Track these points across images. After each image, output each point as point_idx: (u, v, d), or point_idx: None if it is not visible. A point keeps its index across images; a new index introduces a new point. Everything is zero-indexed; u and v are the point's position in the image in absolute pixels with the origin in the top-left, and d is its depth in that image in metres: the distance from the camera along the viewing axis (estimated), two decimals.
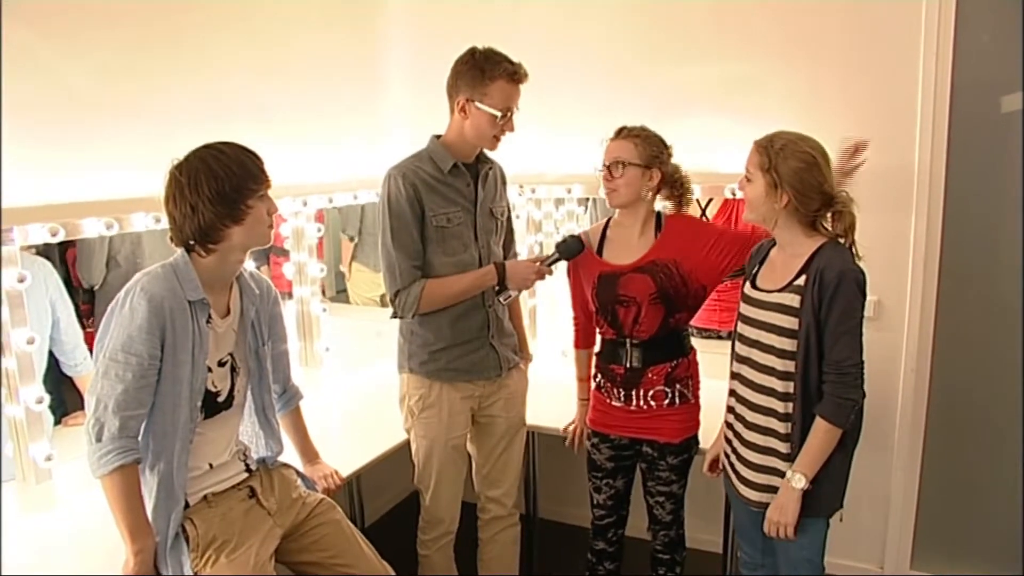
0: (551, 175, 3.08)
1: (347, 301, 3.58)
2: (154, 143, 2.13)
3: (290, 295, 2.81)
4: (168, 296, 1.62)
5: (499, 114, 2.07)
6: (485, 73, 2.05)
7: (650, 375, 2.12)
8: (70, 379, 2.30)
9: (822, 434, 1.76)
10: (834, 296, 1.71)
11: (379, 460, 2.35)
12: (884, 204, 2.44)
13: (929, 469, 2.69)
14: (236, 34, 2.50)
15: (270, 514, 1.84)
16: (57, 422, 2.22)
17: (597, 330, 2.26)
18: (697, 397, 2.19)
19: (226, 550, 1.70)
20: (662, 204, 2.19)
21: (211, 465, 1.79)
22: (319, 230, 2.83)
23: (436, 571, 2.35)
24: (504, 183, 2.34)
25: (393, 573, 1.99)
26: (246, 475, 1.87)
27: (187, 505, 1.71)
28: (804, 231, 1.80)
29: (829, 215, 1.80)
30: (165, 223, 1.72)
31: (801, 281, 1.77)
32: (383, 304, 3.50)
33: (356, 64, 3.10)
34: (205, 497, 1.76)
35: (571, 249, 2.18)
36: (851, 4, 2.52)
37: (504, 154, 2.22)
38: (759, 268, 1.93)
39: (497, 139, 2.14)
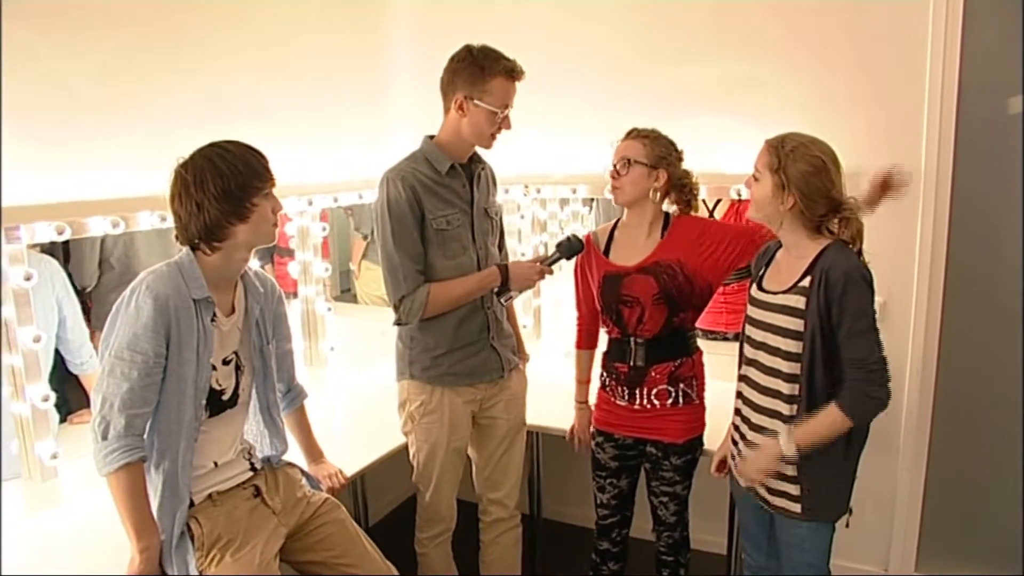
0: (556, 175, 3.08)
1: (352, 300, 3.58)
2: (158, 142, 2.13)
3: (295, 294, 2.81)
4: (173, 294, 1.62)
5: (498, 111, 2.06)
6: (484, 70, 2.04)
7: (653, 373, 2.12)
8: (76, 377, 2.31)
9: (831, 420, 1.72)
10: (844, 295, 1.70)
11: (383, 460, 2.35)
12: (890, 206, 2.41)
13: (934, 470, 2.68)
14: (239, 34, 2.50)
15: (275, 513, 1.84)
16: (63, 420, 2.23)
17: (603, 329, 2.26)
18: (702, 398, 2.19)
19: (231, 549, 1.70)
20: (672, 209, 2.19)
21: (216, 464, 1.80)
22: (324, 229, 2.83)
23: (435, 569, 2.35)
24: (495, 183, 2.34)
25: (397, 572, 1.99)
26: (251, 474, 1.88)
27: (192, 504, 1.72)
28: (809, 234, 1.80)
29: (836, 220, 1.78)
30: (170, 222, 1.72)
31: (806, 283, 1.76)
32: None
33: (360, 63, 3.10)
34: (210, 496, 1.76)
35: (572, 248, 2.18)
36: (857, 4, 2.51)
37: (509, 154, 2.22)
38: (765, 270, 1.93)
39: (494, 137, 2.13)
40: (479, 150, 2.22)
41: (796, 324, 1.77)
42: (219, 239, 1.67)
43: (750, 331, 1.91)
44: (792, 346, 1.78)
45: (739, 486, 2.01)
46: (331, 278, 2.99)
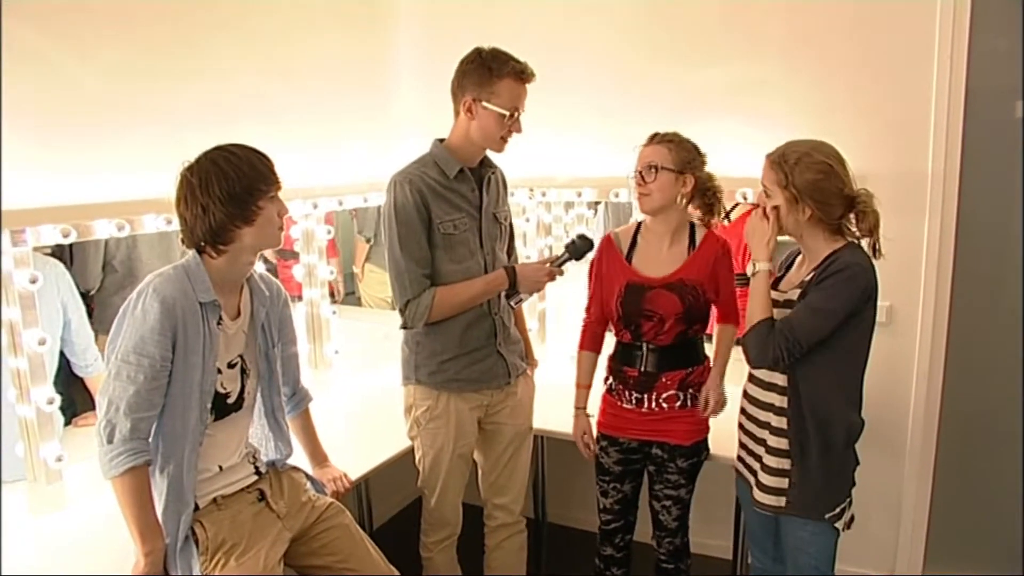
0: (561, 178, 3.07)
1: (357, 303, 3.58)
2: (164, 145, 2.14)
3: (299, 297, 2.81)
4: (180, 298, 1.62)
5: (507, 113, 2.05)
6: (493, 72, 2.03)
7: (664, 380, 2.11)
8: (81, 380, 2.31)
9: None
10: (826, 278, 1.72)
11: (388, 464, 2.34)
12: (897, 209, 2.41)
13: (941, 474, 2.67)
14: (245, 37, 2.51)
15: (279, 517, 1.84)
16: (67, 423, 2.23)
17: (612, 333, 2.24)
18: None
19: (235, 553, 1.70)
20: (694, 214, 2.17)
21: (221, 467, 1.79)
22: (329, 232, 2.83)
23: (439, 573, 2.34)
24: (506, 188, 2.32)
25: None
26: (256, 477, 1.87)
27: (197, 507, 1.71)
28: (828, 237, 1.81)
29: (852, 216, 1.80)
30: (176, 224, 1.73)
31: (808, 279, 1.78)
32: (394, 306, 3.50)
33: (366, 66, 3.11)
34: (215, 499, 1.76)
35: (581, 249, 2.15)
36: (864, 7, 2.51)
37: (513, 157, 2.21)
38: (784, 274, 1.96)
39: (504, 140, 2.11)
40: (490, 154, 2.21)
41: None
42: (225, 242, 1.66)
43: None
44: None
45: (744, 489, 2.00)
46: (336, 281, 2.99)
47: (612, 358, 2.24)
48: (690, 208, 2.14)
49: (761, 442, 1.89)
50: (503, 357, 2.24)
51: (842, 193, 1.76)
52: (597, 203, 3.17)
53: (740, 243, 2.49)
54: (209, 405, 1.71)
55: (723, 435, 2.16)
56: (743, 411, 2.00)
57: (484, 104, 2.05)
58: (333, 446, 2.20)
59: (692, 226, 2.13)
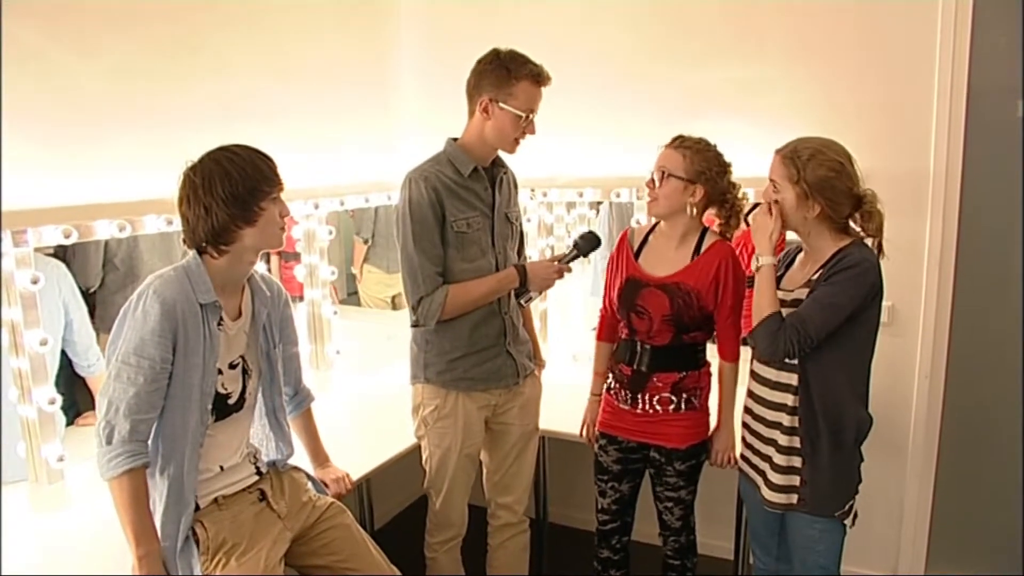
0: (562, 178, 3.07)
1: (358, 304, 3.58)
2: (165, 146, 2.14)
3: (301, 298, 2.82)
4: (181, 299, 1.62)
5: (522, 115, 2.05)
6: (511, 73, 2.04)
7: (656, 381, 2.11)
8: (82, 380, 2.32)
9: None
10: (835, 274, 1.72)
11: (389, 464, 2.34)
12: (899, 208, 2.40)
13: (943, 473, 2.67)
14: (248, 38, 2.51)
15: (280, 517, 1.84)
16: (69, 423, 2.23)
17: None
18: (706, 406, 2.17)
19: (236, 553, 1.70)
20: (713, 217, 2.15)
21: (222, 467, 1.79)
22: (330, 233, 2.83)
23: (444, 573, 2.34)
24: (517, 188, 2.33)
25: None
26: (256, 478, 1.87)
27: (198, 507, 1.71)
28: (834, 235, 1.81)
29: (858, 216, 1.80)
30: (177, 225, 1.73)
31: (816, 276, 1.78)
32: (394, 306, 3.51)
33: (368, 68, 3.11)
34: (216, 499, 1.76)
35: (589, 245, 2.15)
36: (866, 7, 2.51)
37: (515, 157, 2.22)
38: (784, 272, 1.95)
39: (517, 142, 2.12)
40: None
41: None
42: (227, 242, 1.67)
43: None
44: None
45: (749, 488, 2.00)
46: (337, 281, 2.99)
47: (612, 354, 2.25)
48: (712, 214, 2.12)
49: (771, 442, 1.89)
50: (512, 357, 2.23)
51: (851, 192, 1.76)
52: (599, 203, 3.17)
53: (753, 248, 2.48)
54: (210, 406, 1.71)
55: None
56: (748, 411, 1.99)
57: (500, 105, 2.05)
58: (334, 446, 2.20)
59: (703, 232, 2.10)
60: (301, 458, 2.08)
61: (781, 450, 1.86)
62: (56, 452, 1.98)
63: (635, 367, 2.13)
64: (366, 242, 3.47)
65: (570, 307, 3.25)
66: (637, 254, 2.16)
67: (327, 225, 2.82)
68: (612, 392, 2.22)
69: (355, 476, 2.16)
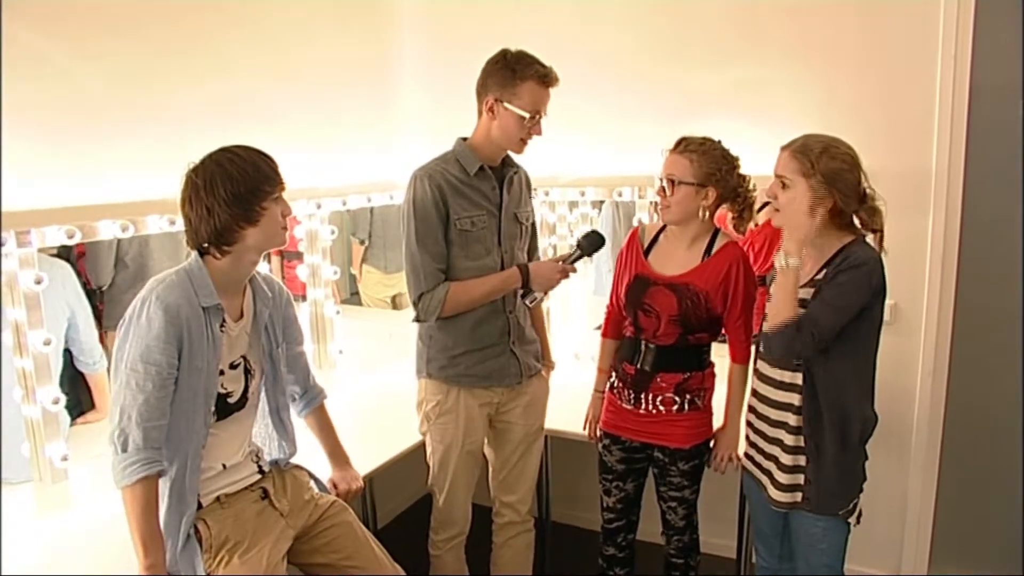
0: (564, 177, 3.07)
1: (360, 303, 3.59)
2: (168, 146, 2.15)
3: (304, 297, 2.82)
4: (184, 304, 1.63)
5: (527, 115, 2.05)
6: (516, 73, 2.04)
7: (659, 381, 2.10)
8: (84, 380, 2.32)
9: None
10: (840, 273, 1.72)
11: (392, 462, 2.35)
12: (901, 207, 2.41)
13: (946, 473, 2.66)
14: (251, 38, 2.52)
15: (282, 515, 1.85)
16: (72, 422, 2.24)
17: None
18: (709, 406, 2.17)
19: (239, 551, 1.70)
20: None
21: (224, 466, 1.80)
22: (333, 232, 2.84)
23: (447, 571, 2.35)
24: (529, 188, 2.32)
25: (404, 575, 1.98)
26: (259, 476, 1.88)
27: (200, 506, 1.72)
28: (838, 231, 1.80)
29: (863, 213, 1.80)
30: (179, 225, 1.74)
31: (820, 276, 1.78)
32: (394, 306, 3.51)
33: (369, 68, 3.11)
34: (218, 498, 1.77)
35: (592, 244, 2.14)
36: (868, 6, 2.50)
37: (518, 156, 2.22)
38: None
39: (524, 142, 2.12)
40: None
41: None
42: (229, 243, 1.67)
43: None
44: None
45: (753, 487, 2.00)
46: (339, 281, 3.00)
47: (615, 353, 2.24)
48: (726, 209, 2.10)
49: (777, 441, 1.88)
50: (515, 356, 2.23)
51: (859, 187, 1.77)
52: (601, 202, 3.17)
53: (761, 247, 2.47)
54: (213, 407, 1.72)
55: None
56: (752, 410, 1.99)
57: (505, 105, 2.06)
58: None
59: (715, 233, 2.08)
60: (307, 457, 2.08)
61: (787, 450, 1.85)
62: (60, 452, 1.98)
63: (639, 366, 2.13)
64: (362, 242, 3.47)
65: (572, 306, 3.25)
66: (647, 251, 2.16)
67: (329, 225, 2.82)
68: (615, 391, 2.21)
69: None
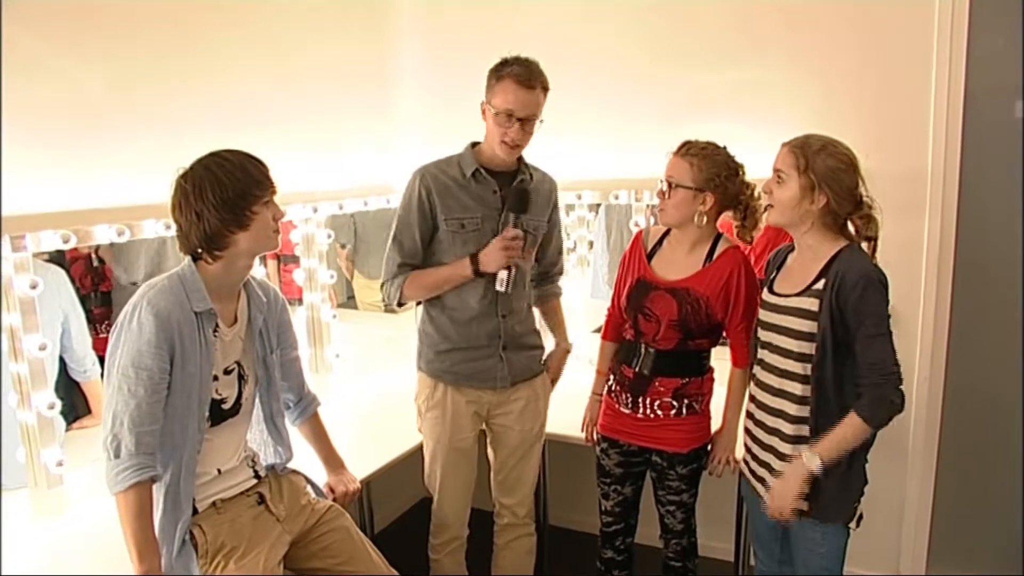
0: (561, 181, 3.06)
1: (355, 307, 3.58)
2: (165, 150, 2.13)
3: (300, 301, 2.82)
4: (175, 309, 1.62)
5: (502, 114, 2.05)
6: (496, 74, 2.07)
7: (658, 385, 2.10)
8: (78, 385, 2.32)
9: (853, 429, 1.71)
10: (862, 299, 1.69)
11: (389, 467, 2.35)
12: (897, 209, 2.40)
13: (944, 473, 2.66)
14: (247, 41, 2.52)
15: (279, 520, 1.84)
16: (67, 428, 2.23)
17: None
18: (707, 411, 2.16)
19: (235, 556, 1.70)
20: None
21: (219, 471, 1.79)
22: (329, 236, 2.83)
23: (446, 575, 2.35)
24: (549, 198, 2.30)
25: None
26: (255, 481, 1.88)
27: (196, 511, 1.72)
28: (831, 235, 1.79)
29: (857, 219, 1.78)
30: (175, 230, 1.73)
31: (820, 285, 1.75)
32: (387, 310, 3.50)
33: (367, 71, 3.11)
34: (214, 503, 1.76)
35: (517, 202, 2.11)
36: (863, 8, 2.51)
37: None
38: (776, 274, 1.93)
39: (505, 144, 2.09)
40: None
41: (809, 326, 1.76)
42: (220, 248, 1.67)
43: (762, 335, 1.91)
44: (804, 347, 1.78)
45: (751, 490, 1.99)
46: (336, 285, 2.99)
47: (614, 356, 2.24)
48: (729, 217, 2.09)
49: (776, 452, 1.86)
50: (504, 360, 2.23)
51: (854, 192, 1.75)
52: (598, 205, 3.17)
53: (763, 248, 2.46)
54: (207, 413, 1.72)
55: None
56: (751, 416, 1.97)
57: (488, 105, 2.08)
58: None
59: (717, 238, 2.08)
60: (306, 463, 2.08)
61: (784, 457, 1.84)
62: (56, 457, 1.98)
63: (637, 370, 2.12)
64: (343, 247, 3.45)
65: (569, 310, 3.24)
66: (651, 255, 2.15)
67: (326, 229, 2.82)
68: (613, 394, 2.21)
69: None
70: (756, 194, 2.04)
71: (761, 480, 1.92)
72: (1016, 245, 2.50)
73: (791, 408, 1.82)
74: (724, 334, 2.11)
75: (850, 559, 1.97)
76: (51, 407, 1.96)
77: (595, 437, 2.29)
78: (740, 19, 2.69)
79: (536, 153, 2.19)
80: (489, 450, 2.38)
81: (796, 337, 1.79)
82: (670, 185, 2.00)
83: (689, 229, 2.05)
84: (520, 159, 2.21)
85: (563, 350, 2.43)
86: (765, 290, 1.93)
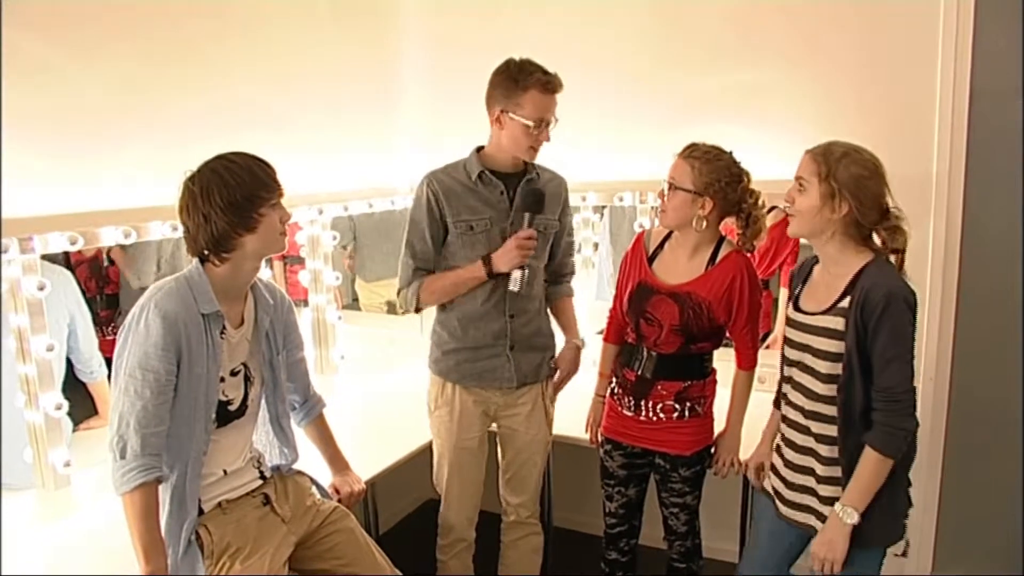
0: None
1: (360, 309, 3.59)
2: (170, 153, 2.15)
3: (305, 303, 2.83)
4: (182, 311, 1.63)
5: (532, 124, 2.06)
6: (519, 83, 2.06)
7: (660, 388, 2.10)
8: (84, 386, 2.33)
9: (872, 464, 1.65)
10: (881, 318, 1.61)
11: (394, 468, 2.35)
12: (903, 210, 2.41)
13: (949, 477, 2.65)
14: (252, 45, 2.53)
15: (284, 521, 1.85)
16: (74, 428, 2.25)
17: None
18: (710, 413, 2.16)
19: (240, 557, 1.71)
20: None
21: (225, 472, 1.80)
22: (334, 238, 2.84)
23: None
24: (559, 198, 2.31)
25: None
26: (260, 482, 1.88)
27: (201, 511, 1.72)
28: (855, 247, 1.72)
29: (883, 231, 1.71)
30: (182, 232, 1.74)
31: (845, 303, 1.68)
32: (390, 311, 3.51)
33: (371, 73, 3.12)
34: (219, 504, 1.77)
35: (532, 199, 2.13)
36: (868, 10, 2.50)
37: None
38: (802, 288, 1.85)
39: (534, 149, 2.13)
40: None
41: (836, 346, 1.69)
42: (227, 250, 1.68)
43: (789, 352, 1.84)
44: (832, 368, 1.70)
45: (763, 495, 1.96)
46: (341, 287, 3.00)
47: (616, 357, 2.24)
48: (730, 223, 2.07)
49: (814, 474, 1.79)
50: (511, 361, 2.24)
51: (880, 200, 1.68)
52: (603, 207, 3.17)
53: (767, 249, 2.46)
54: (213, 415, 1.73)
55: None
56: (787, 441, 1.86)
57: (511, 115, 2.07)
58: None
59: (720, 242, 2.06)
60: (311, 464, 2.08)
61: (822, 480, 1.75)
62: (63, 458, 1.99)
63: (639, 373, 2.12)
64: (344, 248, 3.46)
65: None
66: (652, 259, 2.14)
67: (331, 230, 2.83)
68: (616, 397, 2.21)
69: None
70: (760, 203, 2.02)
71: (789, 503, 1.83)
72: (1021, 248, 2.49)
73: (824, 429, 1.75)
74: (728, 335, 2.11)
75: None
76: (58, 408, 1.97)
77: (599, 439, 2.29)
78: (744, 22, 2.68)
79: (541, 155, 2.20)
80: (498, 449, 2.39)
81: (823, 358, 1.72)
82: (671, 187, 2.00)
83: (689, 232, 2.04)
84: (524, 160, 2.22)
85: (574, 346, 2.40)
86: (790, 306, 1.86)
